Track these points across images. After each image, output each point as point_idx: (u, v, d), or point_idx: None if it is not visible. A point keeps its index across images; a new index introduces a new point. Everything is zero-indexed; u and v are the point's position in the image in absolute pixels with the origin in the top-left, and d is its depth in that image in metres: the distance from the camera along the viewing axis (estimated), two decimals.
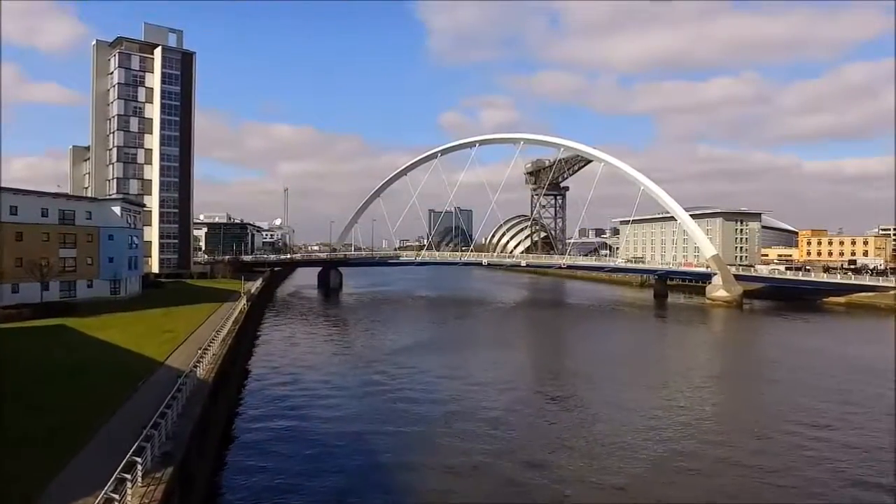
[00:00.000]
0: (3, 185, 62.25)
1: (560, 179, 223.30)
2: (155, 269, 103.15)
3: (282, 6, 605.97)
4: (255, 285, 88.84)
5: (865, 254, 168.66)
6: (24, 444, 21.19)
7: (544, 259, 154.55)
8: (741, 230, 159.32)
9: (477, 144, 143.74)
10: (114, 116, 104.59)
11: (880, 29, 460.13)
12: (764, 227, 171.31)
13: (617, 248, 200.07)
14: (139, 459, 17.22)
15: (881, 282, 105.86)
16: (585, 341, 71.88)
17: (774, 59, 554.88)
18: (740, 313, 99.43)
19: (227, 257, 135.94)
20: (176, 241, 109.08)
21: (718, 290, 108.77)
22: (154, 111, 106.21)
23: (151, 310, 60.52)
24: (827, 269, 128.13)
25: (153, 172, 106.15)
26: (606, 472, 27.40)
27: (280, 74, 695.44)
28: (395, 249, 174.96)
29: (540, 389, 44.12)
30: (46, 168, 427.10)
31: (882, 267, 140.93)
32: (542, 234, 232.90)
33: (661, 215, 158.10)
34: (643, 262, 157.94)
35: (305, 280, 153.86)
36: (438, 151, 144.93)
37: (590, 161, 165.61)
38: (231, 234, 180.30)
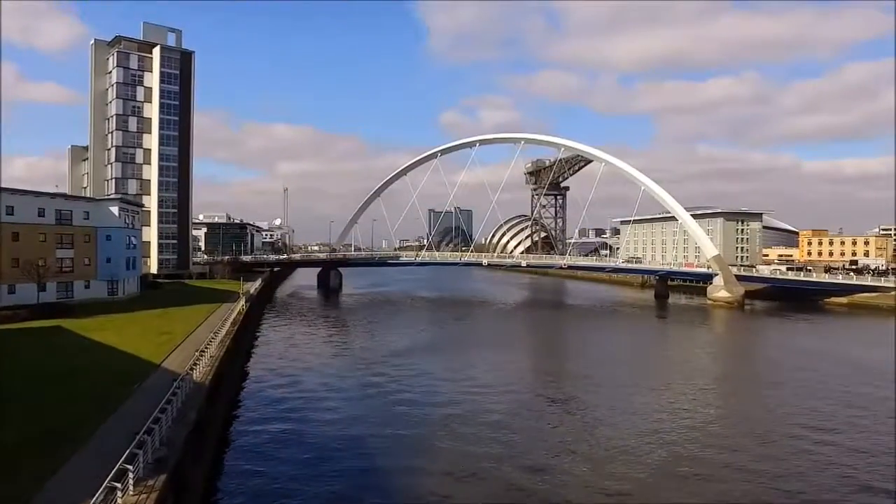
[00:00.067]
0: (1, 184, 61.85)
1: (560, 179, 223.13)
2: (154, 269, 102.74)
3: (282, 6, 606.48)
4: (254, 286, 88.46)
5: (866, 254, 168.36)
6: (10, 450, 20.68)
7: (545, 259, 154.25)
8: (742, 230, 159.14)
9: (477, 144, 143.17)
10: (112, 116, 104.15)
11: (880, 29, 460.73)
12: (764, 227, 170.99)
13: (617, 249, 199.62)
14: (130, 467, 16.77)
15: (883, 282, 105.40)
16: (586, 343, 71.42)
17: (774, 59, 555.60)
18: (742, 314, 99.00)
19: (226, 258, 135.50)
20: (175, 241, 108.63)
21: (720, 290, 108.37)
22: (153, 111, 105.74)
23: (149, 311, 60.18)
24: (828, 270, 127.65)
25: (152, 172, 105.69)
26: (610, 478, 26.94)
27: (280, 74, 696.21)
28: (395, 250, 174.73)
29: (541, 392, 43.65)
30: (46, 168, 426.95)
31: (883, 267, 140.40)
32: (543, 235, 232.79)
33: (661, 215, 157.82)
34: (641, 262, 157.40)
35: (305, 280, 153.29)
36: (438, 151, 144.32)
37: (590, 161, 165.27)
38: (230, 235, 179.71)
